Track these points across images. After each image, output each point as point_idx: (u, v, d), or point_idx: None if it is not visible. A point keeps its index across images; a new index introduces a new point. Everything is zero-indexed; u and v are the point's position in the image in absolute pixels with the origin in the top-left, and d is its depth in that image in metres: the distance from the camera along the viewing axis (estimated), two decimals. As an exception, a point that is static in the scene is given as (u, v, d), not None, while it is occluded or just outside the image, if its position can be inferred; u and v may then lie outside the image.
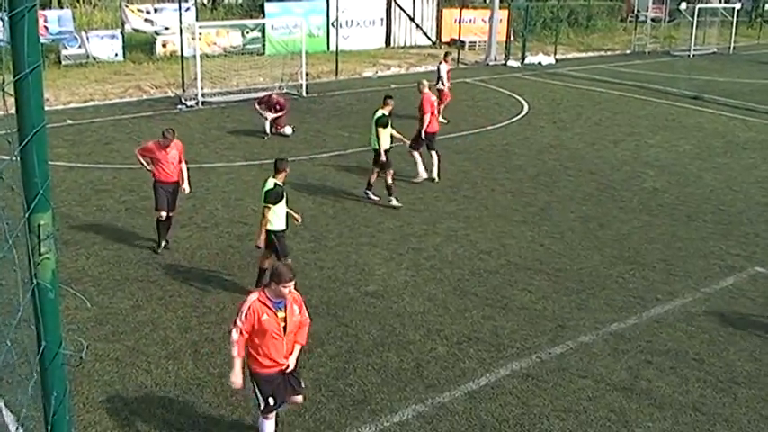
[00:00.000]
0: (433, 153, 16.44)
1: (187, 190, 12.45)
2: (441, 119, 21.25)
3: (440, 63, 22.94)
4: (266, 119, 19.75)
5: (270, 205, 10.23)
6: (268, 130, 19.79)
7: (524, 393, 8.56)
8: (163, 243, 12.30)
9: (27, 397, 3.81)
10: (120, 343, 9.38)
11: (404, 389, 8.57)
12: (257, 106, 20.09)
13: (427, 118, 16.21)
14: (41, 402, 3.49)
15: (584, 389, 8.68)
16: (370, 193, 14.96)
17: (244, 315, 6.80)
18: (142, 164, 12.28)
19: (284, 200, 10.44)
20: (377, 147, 14.44)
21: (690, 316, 10.54)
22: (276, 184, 10.33)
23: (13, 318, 3.56)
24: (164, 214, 12.06)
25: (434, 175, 16.37)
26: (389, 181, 14.53)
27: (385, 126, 14.41)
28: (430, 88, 17.16)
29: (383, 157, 14.47)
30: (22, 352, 4.58)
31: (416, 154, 16.26)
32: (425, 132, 16.25)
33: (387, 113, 14.57)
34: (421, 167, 16.24)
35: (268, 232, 10.35)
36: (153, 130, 20.40)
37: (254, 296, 6.93)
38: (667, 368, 9.19)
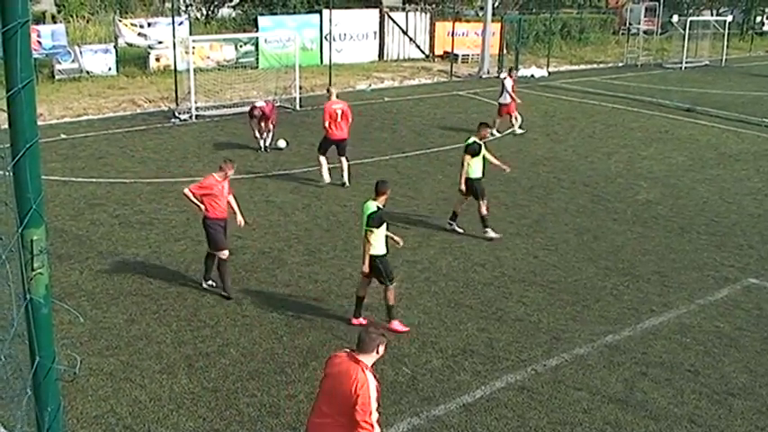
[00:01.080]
0: (343, 159, 16.73)
1: (243, 223, 11.76)
2: (495, 132, 21.69)
3: (504, 78, 22.86)
4: (260, 137, 19.69)
5: (373, 229, 9.88)
6: (262, 145, 19.78)
7: (520, 406, 8.54)
8: (228, 283, 11.19)
9: (21, 412, 3.79)
10: (114, 357, 9.34)
11: (399, 402, 8.55)
12: (250, 122, 20.01)
13: (327, 124, 16.62)
14: (35, 418, 3.47)
15: (579, 401, 8.67)
16: (454, 224, 14.12)
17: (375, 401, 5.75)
18: (194, 203, 11.19)
19: (385, 223, 10.10)
20: (474, 176, 13.71)
21: (684, 328, 10.54)
22: (378, 207, 10.00)
23: (7, 333, 3.55)
24: (226, 253, 11.24)
25: (345, 179, 16.79)
26: (484, 211, 13.73)
27: (475, 154, 13.70)
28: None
29: (474, 186, 13.72)
30: (15, 367, 4.55)
31: (322, 158, 16.72)
32: (332, 139, 16.63)
33: (479, 140, 13.83)
34: (325, 172, 16.70)
35: (371, 257, 10.03)
36: (146, 144, 20.43)
37: (372, 380, 5.82)
38: (662, 380, 9.18)
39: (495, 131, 21.64)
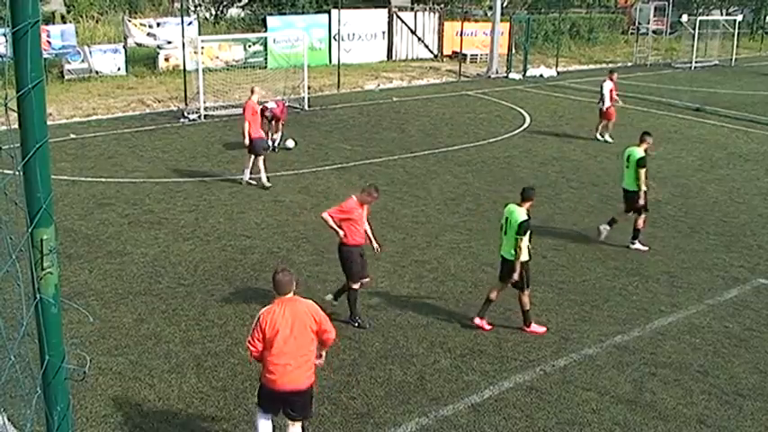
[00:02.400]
0: (260, 159, 16.57)
1: (379, 249, 10.91)
2: (607, 138, 21.59)
3: (603, 81, 22.03)
4: (270, 139, 19.68)
5: (523, 236, 9.91)
6: (270, 145, 19.79)
7: (528, 406, 8.53)
8: (357, 310, 10.53)
9: (31, 411, 3.80)
10: (122, 357, 9.36)
11: (407, 402, 8.55)
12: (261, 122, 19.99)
13: (246, 125, 16.32)
14: (45, 416, 3.49)
15: (588, 401, 8.65)
16: (637, 243, 13.55)
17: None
18: (333, 228, 10.28)
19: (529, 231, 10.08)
20: (636, 188, 13.25)
21: (694, 328, 10.51)
22: (528, 215, 10.01)
23: (17, 332, 3.56)
24: (367, 280, 10.60)
25: (246, 178, 16.79)
26: (640, 224, 13.42)
27: (645, 166, 13.26)
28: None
29: (642, 200, 13.30)
30: (25, 366, 4.57)
31: (252, 158, 16.58)
32: (250, 138, 16.33)
33: (645, 152, 13.40)
34: (263, 173, 16.57)
35: (512, 262, 10.07)
36: (155, 144, 20.48)
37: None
38: (671, 380, 9.16)
39: (599, 135, 21.71)
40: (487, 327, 10.32)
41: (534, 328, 10.31)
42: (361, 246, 10.37)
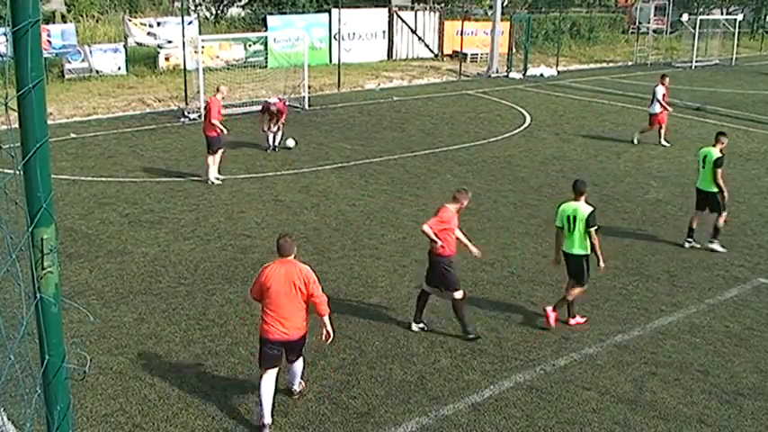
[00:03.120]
0: (216, 156, 16.82)
1: (479, 253, 10.68)
2: (663, 142, 21.25)
3: (656, 85, 21.62)
4: (270, 132, 19.72)
5: (596, 228, 10.21)
6: (271, 142, 19.80)
7: (528, 406, 8.53)
8: (467, 320, 10.11)
9: (31, 411, 3.80)
10: (123, 356, 9.37)
11: (408, 401, 8.55)
12: (261, 117, 20.03)
13: (217, 121, 16.59)
14: (45, 416, 3.48)
15: (588, 401, 8.65)
16: (716, 242, 13.47)
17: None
18: (434, 240, 9.94)
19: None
20: (712, 189, 13.18)
21: (694, 327, 10.51)
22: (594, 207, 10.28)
23: (17, 332, 3.56)
24: (461, 292, 10.10)
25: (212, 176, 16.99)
26: (721, 224, 13.31)
27: (722, 166, 13.21)
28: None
29: (726, 199, 13.27)
30: (25, 366, 4.58)
31: (211, 158, 16.83)
32: (212, 134, 16.60)
33: (722, 153, 13.34)
34: (212, 170, 16.83)
35: (583, 257, 10.28)
36: (156, 143, 20.49)
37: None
38: (672, 380, 9.16)
39: (636, 139, 21.53)
40: (579, 320, 10.55)
41: (578, 319, 10.52)
42: (454, 255, 10.17)
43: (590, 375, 9.20)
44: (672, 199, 16.48)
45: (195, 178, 17.18)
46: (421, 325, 10.23)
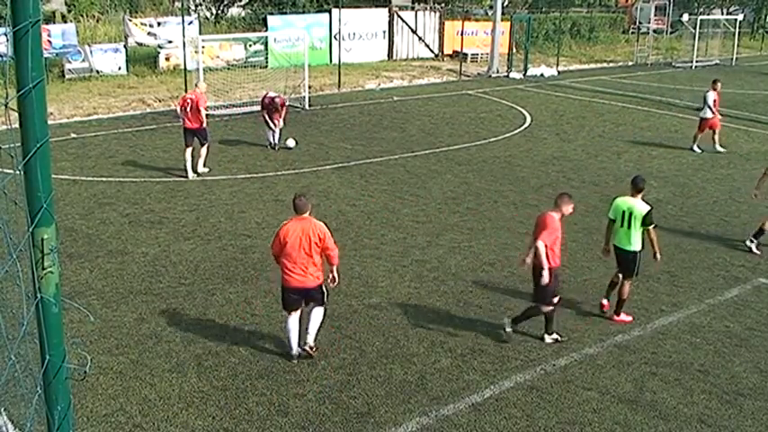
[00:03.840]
0: (189, 150, 17.21)
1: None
2: (718, 147, 20.76)
3: (707, 91, 21.05)
4: (273, 129, 19.77)
5: (653, 225, 10.34)
6: (272, 140, 19.85)
7: (529, 406, 8.53)
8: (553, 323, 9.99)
9: (31, 411, 3.80)
10: (123, 356, 9.37)
11: (408, 401, 8.55)
12: (262, 112, 20.07)
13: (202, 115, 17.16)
14: (45, 416, 3.48)
15: (588, 401, 8.65)
16: (756, 242, 13.40)
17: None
18: (546, 256, 9.60)
19: None
20: None
21: (694, 327, 10.50)
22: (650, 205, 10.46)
23: (17, 332, 3.56)
24: (552, 308, 9.86)
25: (199, 168, 17.53)
26: (767, 227, 13.24)
27: None
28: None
29: None
30: (26, 366, 4.57)
31: (203, 148, 17.43)
32: (193, 128, 17.12)
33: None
34: (188, 165, 17.24)
35: (635, 253, 10.41)
36: (156, 143, 20.49)
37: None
38: (672, 380, 9.15)
39: (695, 147, 20.84)
40: (625, 318, 10.68)
41: (623, 317, 10.61)
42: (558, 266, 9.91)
43: (590, 375, 9.20)
44: (672, 199, 16.48)
45: (196, 178, 17.17)
46: (555, 336, 9.94)
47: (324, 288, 9.31)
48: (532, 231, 10.11)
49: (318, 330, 9.38)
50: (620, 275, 10.64)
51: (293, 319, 9.28)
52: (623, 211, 10.39)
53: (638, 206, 10.31)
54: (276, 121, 19.74)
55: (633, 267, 10.47)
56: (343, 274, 11.89)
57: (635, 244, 10.39)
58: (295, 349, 9.27)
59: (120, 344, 9.68)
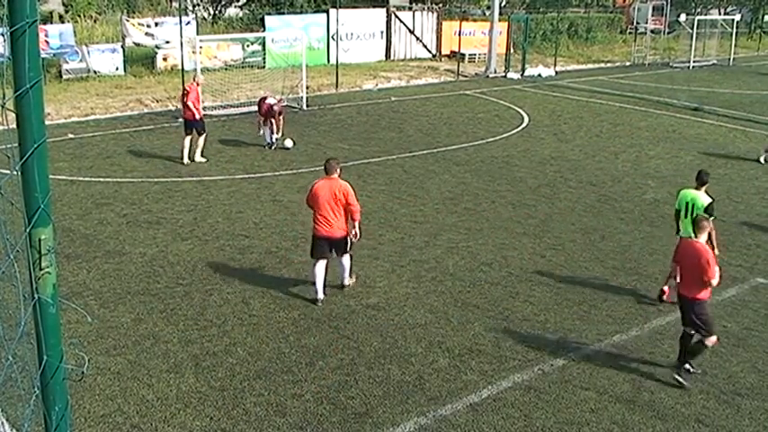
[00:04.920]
0: (188, 138, 18.36)
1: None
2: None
3: None
4: (270, 131, 19.85)
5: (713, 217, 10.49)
6: (268, 140, 19.93)
7: (526, 406, 8.53)
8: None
9: (29, 411, 3.79)
10: (121, 357, 9.36)
11: (406, 401, 8.55)
12: (258, 117, 20.17)
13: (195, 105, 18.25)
14: (43, 417, 3.48)
15: (586, 401, 8.65)
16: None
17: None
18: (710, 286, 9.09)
19: None
20: None
21: (692, 327, 10.49)
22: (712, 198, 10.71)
23: (15, 332, 3.56)
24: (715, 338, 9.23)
25: (196, 157, 18.57)
26: None
27: None
28: None
29: None
30: (23, 366, 4.57)
31: (201, 138, 18.53)
32: (194, 119, 18.22)
33: None
34: (185, 151, 18.40)
35: None
36: (154, 144, 20.48)
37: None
38: (670, 379, 9.15)
39: (763, 159, 19.89)
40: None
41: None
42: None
43: (588, 375, 9.20)
44: (670, 199, 16.47)
45: (193, 178, 17.18)
46: (687, 366, 9.24)
47: (348, 239, 10.86)
48: (678, 258, 9.31)
49: (349, 272, 11.24)
50: None
51: (320, 266, 10.78)
52: (687, 202, 10.95)
53: (701, 198, 10.88)
54: (277, 125, 19.81)
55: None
56: (342, 274, 11.92)
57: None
58: (320, 294, 10.82)
59: (118, 344, 9.67)
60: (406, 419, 8.22)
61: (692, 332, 9.15)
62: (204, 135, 18.68)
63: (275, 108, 19.62)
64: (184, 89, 18.71)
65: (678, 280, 9.27)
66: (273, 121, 19.77)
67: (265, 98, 20.10)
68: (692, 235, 10.28)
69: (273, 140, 19.93)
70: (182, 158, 18.44)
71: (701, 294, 9.07)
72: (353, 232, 10.89)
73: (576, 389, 8.89)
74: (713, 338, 9.11)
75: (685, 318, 9.24)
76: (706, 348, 9.18)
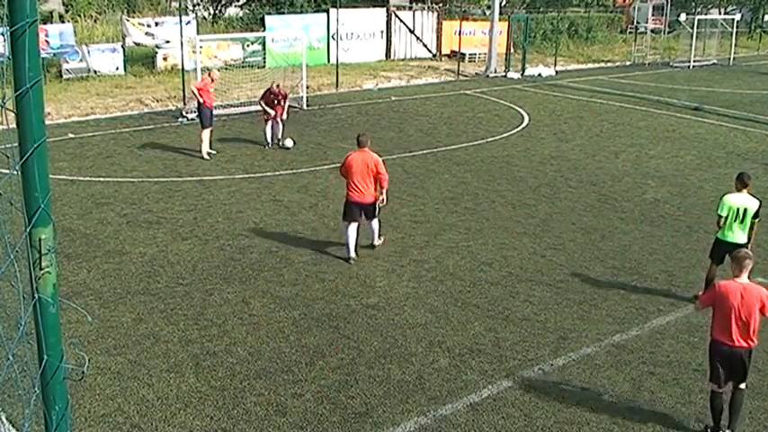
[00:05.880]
0: (207, 131, 19.06)
1: None
2: None
3: None
4: (272, 129, 19.94)
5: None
6: (269, 139, 19.98)
7: (527, 405, 8.53)
8: None
9: (29, 411, 3.80)
10: (121, 356, 9.36)
11: (406, 401, 8.55)
12: (262, 105, 20.29)
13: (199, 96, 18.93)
14: (43, 416, 3.48)
15: (586, 400, 8.65)
16: None
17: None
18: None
19: None
20: None
21: (692, 327, 10.51)
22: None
23: (15, 332, 3.56)
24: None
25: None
26: None
27: None
28: None
29: None
30: (23, 366, 4.57)
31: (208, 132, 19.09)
32: (207, 108, 18.90)
33: None
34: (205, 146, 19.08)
35: (746, 245, 10.58)
36: (154, 143, 20.48)
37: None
38: (670, 379, 9.16)
39: None
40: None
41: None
42: None
43: (588, 375, 9.20)
44: (670, 199, 16.49)
45: (193, 178, 17.18)
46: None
47: (377, 205, 12.46)
48: (719, 303, 7.83)
49: (378, 233, 12.89)
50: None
51: (352, 228, 12.32)
52: (738, 209, 10.76)
53: (752, 201, 10.79)
54: (282, 110, 20.13)
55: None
56: (341, 274, 11.94)
57: (746, 237, 10.82)
58: (352, 254, 12.37)
59: (118, 344, 9.67)
60: (407, 419, 8.22)
61: (742, 386, 8.00)
62: (206, 129, 19.07)
63: (283, 93, 20.10)
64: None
65: (718, 328, 7.80)
66: (277, 108, 19.92)
67: (269, 89, 20.28)
68: (742, 239, 10.51)
69: (273, 140, 19.99)
70: (204, 151, 19.09)
71: (755, 340, 7.82)
72: (381, 198, 12.40)
73: (576, 388, 8.89)
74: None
75: (734, 371, 7.90)
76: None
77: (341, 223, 12.68)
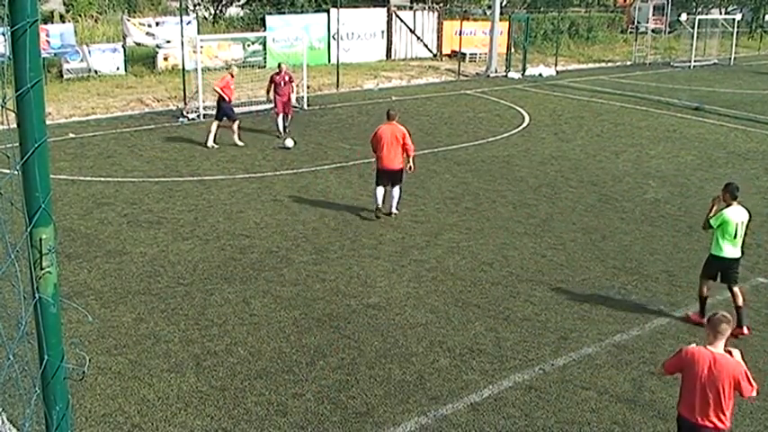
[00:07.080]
0: (216, 123, 20.21)
1: None
2: None
3: None
4: (283, 120, 21.27)
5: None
6: (281, 128, 20.87)
7: (527, 405, 8.53)
8: None
9: (30, 411, 3.80)
10: (122, 356, 9.36)
11: (406, 401, 8.55)
12: (269, 94, 21.72)
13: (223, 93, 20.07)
14: (44, 416, 3.48)
15: (587, 400, 8.65)
16: None
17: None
18: None
19: None
20: None
21: (693, 327, 10.51)
22: None
23: (16, 332, 3.56)
24: None
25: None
26: None
27: None
28: None
29: None
30: (24, 366, 4.58)
31: (222, 124, 20.19)
32: (228, 101, 20.15)
33: None
34: (236, 137, 20.24)
35: (739, 259, 10.61)
36: (154, 143, 20.50)
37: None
38: (671, 379, 9.14)
39: None
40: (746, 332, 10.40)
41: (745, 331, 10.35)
42: None
43: (589, 375, 9.20)
44: (670, 199, 16.49)
45: (194, 178, 17.19)
46: None
47: (403, 171, 14.43)
48: (686, 370, 6.90)
49: (398, 203, 14.68)
50: (730, 285, 10.55)
51: (380, 190, 14.38)
52: (737, 224, 10.55)
53: (746, 214, 10.67)
54: (290, 94, 21.40)
55: (737, 274, 10.61)
56: (342, 274, 11.94)
57: (740, 251, 10.70)
58: (380, 204, 14.41)
59: (119, 344, 9.67)
60: (407, 419, 8.22)
61: None
62: (217, 123, 20.20)
63: (282, 71, 21.28)
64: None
65: (683, 400, 6.85)
66: (285, 93, 21.13)
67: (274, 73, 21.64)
68: (738, 253, 10.49)
69: (284, 127, 21.32)
70: (236, 142, 20.29)
71: (726, 422, 6.55)
72: (408, 165, 14.44)
73: (576, 388, 8.89)
74: None
75: None
76: None
77: (373, 187, 14.70)
